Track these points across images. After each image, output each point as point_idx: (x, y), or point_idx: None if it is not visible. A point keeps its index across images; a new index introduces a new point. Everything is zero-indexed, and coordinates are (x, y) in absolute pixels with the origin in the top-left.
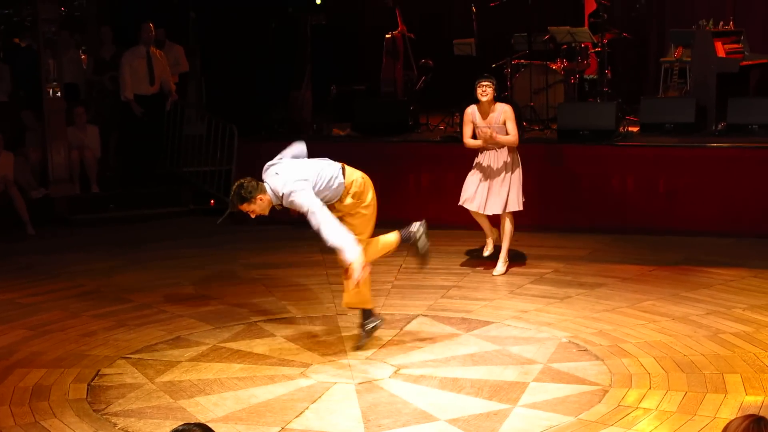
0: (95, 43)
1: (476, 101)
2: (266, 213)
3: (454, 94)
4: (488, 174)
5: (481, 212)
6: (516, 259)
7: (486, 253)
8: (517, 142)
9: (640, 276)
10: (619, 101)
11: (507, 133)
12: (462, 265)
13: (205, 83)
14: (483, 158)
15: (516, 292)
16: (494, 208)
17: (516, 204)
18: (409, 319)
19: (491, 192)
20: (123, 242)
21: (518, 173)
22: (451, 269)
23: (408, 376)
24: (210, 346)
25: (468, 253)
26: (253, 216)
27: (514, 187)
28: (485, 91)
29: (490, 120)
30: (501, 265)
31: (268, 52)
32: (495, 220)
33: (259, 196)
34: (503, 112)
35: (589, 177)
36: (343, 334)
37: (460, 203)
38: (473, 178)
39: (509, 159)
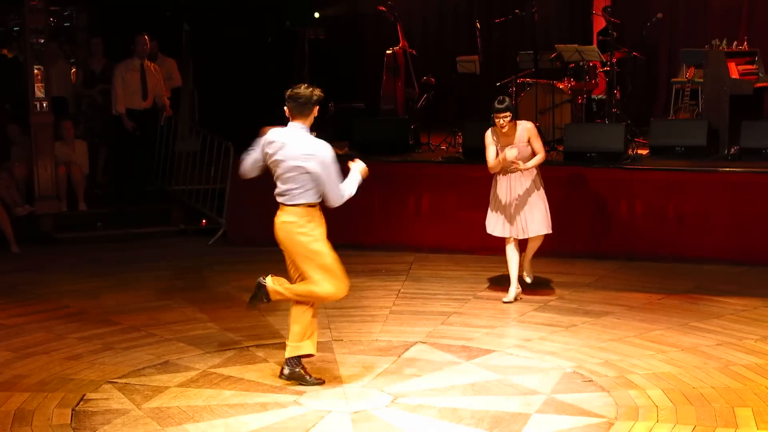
0: (85, 55)
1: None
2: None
3: (457, 113)
4: (512, 198)
5: (514, 236)
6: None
7: (507, 297)
8: (545, 157)
9: (648, 304)
10: (628, 123)
11: (532, 153)
12: (463, 290)
13: (199, 98)
14: (505, 182)
15: (519, 319)
16: (535, 229)
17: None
18: (408, 346)
19: (520, 216)
20: (110, 262)
21: (543, 193)
22: (451, 295)
23: (406, 405)
24: (200, 371)
25: (469, 278)
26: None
27: (542, 208)
28: (503, 123)
29: (515, 142)
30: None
31: (264, 66)
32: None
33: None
34: (526, 130)
35: (596, 201)
36: (338, 361)
37: (489, 231)
38: (496, 206)
39: (533, 180)
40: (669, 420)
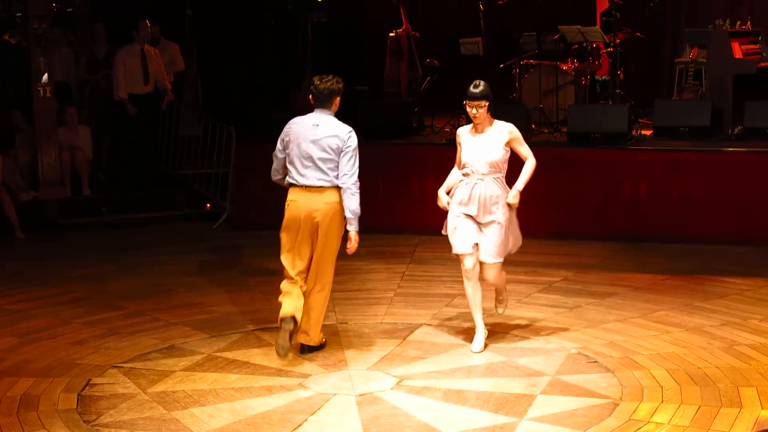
0: (88, 41)
1: None
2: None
3: (461, 96)
4: (476, 211)
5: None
6: (524, 266)
7: (475, 347)
8: (535, 164)
9: (652, 285)
10: (631, 103)
11: (502, 160)
12: None
13: (202, 83)
14: (466, 191)
15: (524, 301)
16: (484, 255)
17: (504, 249)
18: (413, 328)
19: (480, 234)
20: (115, 247)
21: (508, 214)
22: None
23: (411, 387)
24: (205, 355)
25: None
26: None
27: (502, 229)
28: (477, 114)
29: (487, 141)
30: (481, 338)
31: (267, 50)
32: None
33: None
34: (507, 132)
35: (600, 182)
36: (343, 344)
37: (455, 252)
38: (458, 219)
39: (501, 193)
40: (674, 400)
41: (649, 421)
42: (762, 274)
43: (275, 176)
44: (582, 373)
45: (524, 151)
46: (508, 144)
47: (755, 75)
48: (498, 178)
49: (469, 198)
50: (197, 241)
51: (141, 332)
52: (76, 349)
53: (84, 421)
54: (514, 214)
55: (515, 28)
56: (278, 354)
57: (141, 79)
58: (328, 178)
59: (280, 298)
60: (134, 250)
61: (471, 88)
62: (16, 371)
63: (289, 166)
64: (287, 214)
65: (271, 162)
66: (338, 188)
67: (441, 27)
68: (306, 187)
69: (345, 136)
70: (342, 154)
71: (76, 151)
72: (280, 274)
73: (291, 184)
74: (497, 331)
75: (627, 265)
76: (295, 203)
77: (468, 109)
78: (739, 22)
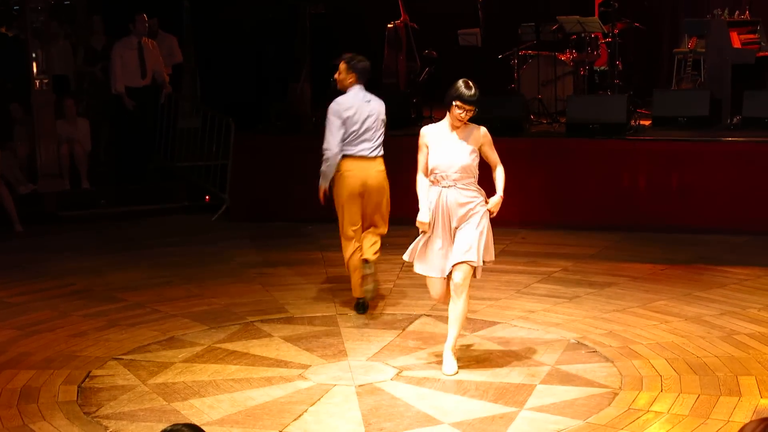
0: (86, 33)
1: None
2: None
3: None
4: (448, 223)
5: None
6: (523, 257)
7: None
8: (503, 167)
9: (651, 275)
10: (630, 94)
11: (472, 163)
12: None
13: (200, 75)
14: (437, 203)
15: (523, 291)
16: (456, 256)
17: (479, 254)
18: (412, 319)
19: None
20: (114, 239)
21: (486, 218)
22: None
23: (410, 378)
24: (205, 346)
25: None
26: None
27: (477, 230)
28: (464, 116)
29: (454, 142)
30: (451, 361)
31: (265, 42)
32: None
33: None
34: (482, 136)
35: (598, 172)
36: (343, 334)
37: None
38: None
39: (475, 200)
40: (673, 389)
41: (648, 410)
42: (761, 264)
43: (333, 153)
44: (581, 362)
45: (494, 156)
46: (480, 147)
47: (754, 64)
48: (471, 183)
49: (440, 209)
50: (196, 233)
51: (140, 324)
52: (76, 341)
53: (84, 413)
54: (489, 225)
55: (513, 19)
56: (366, 297)
57: (138, 72)
58: (379, 149)
59: (349, 259)
60: (133, 243)
61: (464, 89)
62: (15, 364)
63: (345, 140)
64: (344, 182)
65: (271, 154)
66: (382, 157)
67: (439, 18)
68: (363, 157)
69: (384, 107)
70: (383, 124)
71: (74, 143)
72: (277, 265)
73: (345, 156)
74: (497, 322)
75: (626, 255)
76: (351, 172)
77: (456, 111)
78: (737, 12)
